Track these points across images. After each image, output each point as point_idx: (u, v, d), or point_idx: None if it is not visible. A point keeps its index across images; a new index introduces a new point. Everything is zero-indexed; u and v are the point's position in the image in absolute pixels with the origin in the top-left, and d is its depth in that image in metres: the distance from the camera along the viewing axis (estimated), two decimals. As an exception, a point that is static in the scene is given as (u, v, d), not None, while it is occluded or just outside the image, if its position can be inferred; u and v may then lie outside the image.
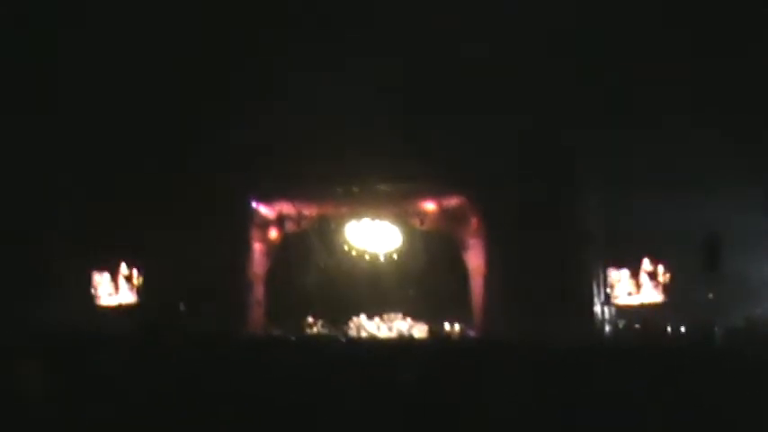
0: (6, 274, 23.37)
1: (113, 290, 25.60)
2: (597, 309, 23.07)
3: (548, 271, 22.01)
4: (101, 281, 25.69)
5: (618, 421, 7.71)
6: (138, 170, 23.89)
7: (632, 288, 23.01)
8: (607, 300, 23.11)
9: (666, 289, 22.55)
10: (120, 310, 25.30)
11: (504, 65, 21.61)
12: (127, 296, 25.49)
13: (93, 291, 25.62)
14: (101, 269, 25.69)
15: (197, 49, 22.40)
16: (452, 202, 24.82)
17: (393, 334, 24.91)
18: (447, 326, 24.87)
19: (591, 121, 21.84)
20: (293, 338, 23.21)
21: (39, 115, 23.29)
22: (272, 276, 26.09)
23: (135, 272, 25.49)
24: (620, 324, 22.93)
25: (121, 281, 25.57)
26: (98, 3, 22.44)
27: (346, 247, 26.52)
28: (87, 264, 25.62)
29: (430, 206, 25.12)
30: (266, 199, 25.67)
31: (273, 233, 26.27)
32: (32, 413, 8.17)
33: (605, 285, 23.19)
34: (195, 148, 23.34)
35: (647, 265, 22.91)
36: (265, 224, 26.19)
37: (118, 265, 25.56)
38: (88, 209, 24.37)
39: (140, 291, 25.37)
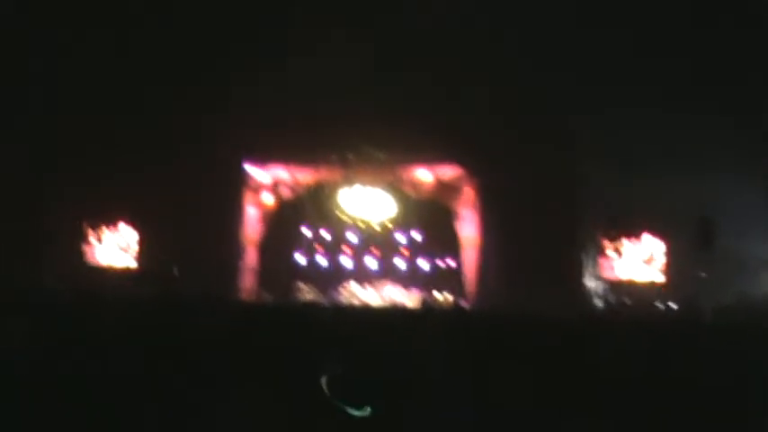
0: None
1: (108, 249, 25.58)
2: (589, 283, 23.05)
3: (541, 244, 21.98)
4: (96, 240, 25.67)
5: (605, 395, 7.70)
6: (134, 131, 23.72)
7: (626, 264, 23.03)
8: (599, 274, 23.10)
9: (659, 266, 22.56)
10: (114, 270, 25.30)
11: (507, 37, 21.45)
12: (120, 257, 25.47)
13: (86, 249, 25.58)
14: (96, 228, 25.65)
15: (195, 14, 22.23)
16: (448, 171, 24.73)
17: (384, 302, 24.93)
18: (438, 295, 24.89)
19: (592, 94, 21.71)
20: (285, 304, 23.24)
21: (38, 74, 23.18)
22: (265, 241, 26.03)
23: (129, 232, 25.46)
24: (611, 299, 22.94)
25: (116, 241, 25.55)
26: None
27: (340, 214, 26.46)
28: (82, 222, 25.59)
29: (425, 175, 25.02)
30: (261, 163, 25.53)
31: (268, 198, 26.15)
32: (20, 375, 8.11)
33: (598, 260, 23.18)
34: (192, 110, 23.14)
35: (641, 241, 22.91)
36: (260, 189, 26.07)
37: (113, 225, 25.54)
38: (86, 168, 24.20)
39: (133, 252, 25.37)
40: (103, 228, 25.65)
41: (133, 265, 25.39)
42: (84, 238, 25.64)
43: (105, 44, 22.99)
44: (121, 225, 25.52)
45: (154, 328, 10.64)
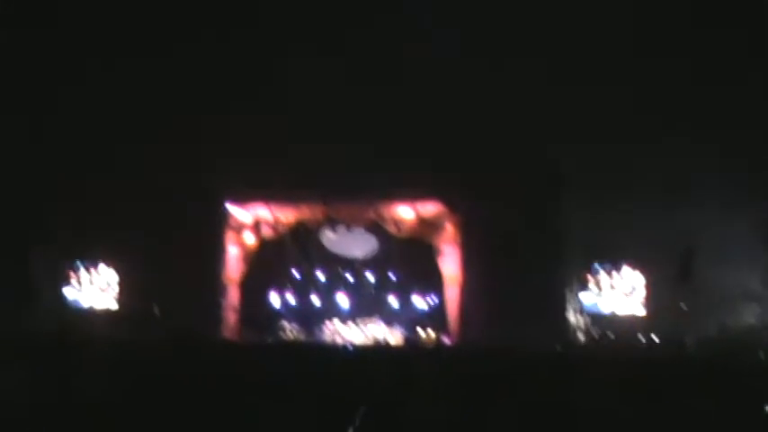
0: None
1: (88, 291, 25.41)
2: (571, 317, 23.08)
3: (523, 279, 22.04)
4: (75, 282, 25.50)
5: (587, 426, 7.73)
6: (113, 172, 23.70)
7: (608, 297, 23.07)
8: (581, 309, 23.12)
9: (640, 299, 22.61)
10: (95, 311, 25.14)
11: (486, 72, 21.60)
12: (101, 298, 25.31)
13: (67, 292, 25.41)
14: (76, 270, 25.49)
15: (171, 48, 22.36)
16: (429, 208, 24.78)
17: (368, 340, 24.89)
18: (422, 332, 24.86)
19: (571, 126, 21.85)
20: (269, 342, 23.26)
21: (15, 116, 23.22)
22: (247, 281, 25.98)
23: (110, 273, 25.31)
24: (595, 333, 22.96)
25: (96, 282, 25.38)
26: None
27: (322, 253, 26.45)
28: (62, 265, 25.45)
29: (406, 213, 25.05)
30: (242, 202, 25.52)
31: (250, 238, 26.11)
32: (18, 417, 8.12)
33: (580, 294, 23.21)
34: (170, 148, 23.16)
35: (622, 273, 22.98)
36: (241, 228, 26.05)
37: (94, 267, 25.38)
38: (62, 210, 24.16)
39: (114, 292, 25.20)
40: (84, 269, 25.46)
41: (114, 305, 25.19)
42: (66, 280, 25.47)
43: (83, 80, 23.09)
44: (102, 267, 25.35)
45: (137, 368, 10.63)
